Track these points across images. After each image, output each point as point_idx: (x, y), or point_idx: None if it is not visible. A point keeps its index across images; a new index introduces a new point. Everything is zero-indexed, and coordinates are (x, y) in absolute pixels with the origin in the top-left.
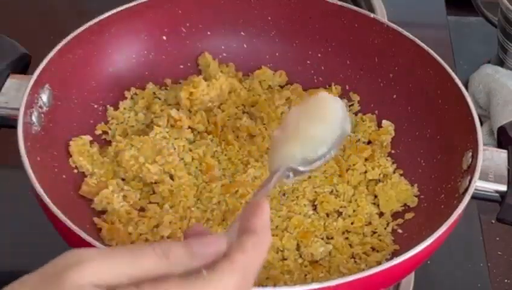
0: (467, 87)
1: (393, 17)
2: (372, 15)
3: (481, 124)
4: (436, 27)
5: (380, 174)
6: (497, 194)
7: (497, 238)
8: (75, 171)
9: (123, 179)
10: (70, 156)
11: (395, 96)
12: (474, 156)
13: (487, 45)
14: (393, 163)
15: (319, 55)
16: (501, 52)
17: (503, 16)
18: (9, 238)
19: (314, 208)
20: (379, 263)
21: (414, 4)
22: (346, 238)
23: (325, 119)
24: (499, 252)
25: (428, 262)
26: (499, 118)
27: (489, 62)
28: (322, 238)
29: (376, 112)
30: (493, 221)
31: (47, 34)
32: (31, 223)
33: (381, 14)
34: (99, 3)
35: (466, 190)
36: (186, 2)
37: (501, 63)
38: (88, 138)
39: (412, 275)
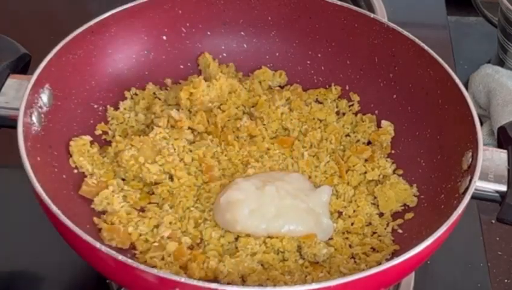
0: (467, 87)
1: (393, 17)
2: (372, 15)
3: (481, 124)
4: (436, 27)
5: (379, 175)
6: (497, 194)
7: (497, 238)
8: (75, 171)
9: (123, 179)
10: (71, 156)
11: (395, 96)
12: (474, 156)
13: (487, 45)
14: (392, 163)
15: (319, 55)
16: (501, 52)
17: (503, 16)
18: (9, 238)
19: None
20: (379, 263)
21: (414, 4)
22: (346, 238)
23: None
24: (499, 252)
25: (428, 262)
26: (499, 118)
27: (489, 62)
28: None
29: (376, 111)
30: (493, 221)
31: (47, 34)
32: (31, 223)
33: (381, 14)
34: (99, 3)
35: (466, 190)
36: (186, 2)
37: (501, 63)
38: (88, 138)
39: (412, 275)
